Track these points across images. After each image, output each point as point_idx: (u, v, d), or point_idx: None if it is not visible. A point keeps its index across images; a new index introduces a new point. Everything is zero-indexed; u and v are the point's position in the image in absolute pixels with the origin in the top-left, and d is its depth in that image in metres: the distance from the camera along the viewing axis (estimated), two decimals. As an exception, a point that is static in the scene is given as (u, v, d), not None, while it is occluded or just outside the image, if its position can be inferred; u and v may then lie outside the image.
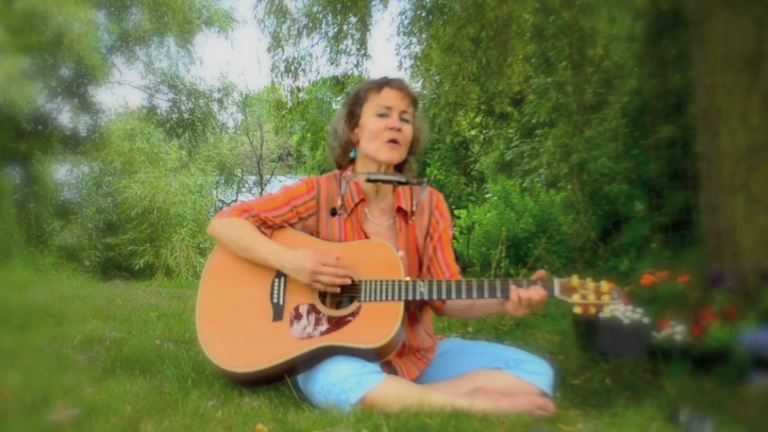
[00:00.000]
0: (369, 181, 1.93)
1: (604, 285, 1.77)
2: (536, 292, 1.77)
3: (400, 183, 1.94)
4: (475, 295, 1.82)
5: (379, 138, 1.96)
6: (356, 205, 2.00)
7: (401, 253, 1.92)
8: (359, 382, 1.72)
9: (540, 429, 1.66)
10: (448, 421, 1.61)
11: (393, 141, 1.95)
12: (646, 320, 2.35)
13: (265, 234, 1.97)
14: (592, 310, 1.77)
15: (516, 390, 1.86)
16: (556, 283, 1.79)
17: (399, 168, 2.08)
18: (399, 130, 1.96)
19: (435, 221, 2.06)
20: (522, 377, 1.89)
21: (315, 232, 2.01)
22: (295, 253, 1.88)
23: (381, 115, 1.97)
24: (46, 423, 1.53)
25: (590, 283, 1.78)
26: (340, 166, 2.10)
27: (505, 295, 1.80)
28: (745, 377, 2.09)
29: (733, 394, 2.02)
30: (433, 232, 2.05)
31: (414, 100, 2.02)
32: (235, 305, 1.92)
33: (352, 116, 2.03)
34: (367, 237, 1.99)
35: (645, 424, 1.71)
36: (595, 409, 1.93)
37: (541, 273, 1.83)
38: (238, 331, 1.89)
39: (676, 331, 2.30)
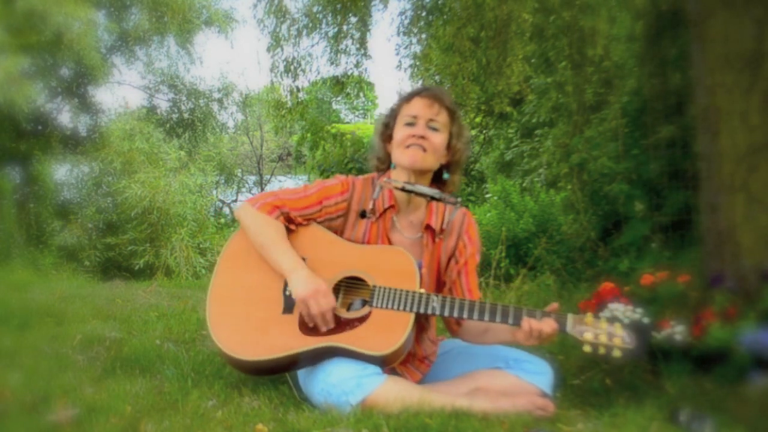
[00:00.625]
0: (403, 190, 1.91)
1: (618, 328, 1.76)
2: (548, 325, 1.76)
3: (433, 198, 1.90)
4: (486, 317, 1.81)
5: (402, 145, 1.95)
6: (385, 210, 1.98)
7: (423, 270, 1.91)
8: (360, 385, 1.72)
9: (540, 429, 1.66)
10: (448, 421, 1.61)
11: (415, 145, 1.93)
12: (646, 320, 2.35)
13: (290, 230, 1.96)
14: (602, 351, 1.75)
15: (516, 390, 1.86)
16: (570, 318, 1.78)
17: (439, 180, 2.04)
18: (422, 137, 1.93)
19: (462, 245, 2.03)
20: (522, 377, 1.89)
21: (339, 231, 1.99)
22: (306, 274, 1.85)
23: (408, 124, 1.96)
24: (46, 423, 1.53)
25: (603, 324, 1.77)
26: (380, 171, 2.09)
27: (517, 322, 1.79)
28: (745, 377, 2.08)
29: (733, 394, 2.02)
30: (459, 256, 2.03)
31: (448, 109, 1.99)
32: (248, 290, 1.91)
33: (387, 128, 2.03)
34: (391, 244, 1.97)
35: (645, 424, 1.71)
36: (595, 409, 1.94)
37: (554, 306, 1.81)
38: (246, 318, 1.88)
39: (676, 331, 2.29)
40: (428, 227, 2.00)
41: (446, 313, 1.83)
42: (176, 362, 2.21)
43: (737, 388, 2.05)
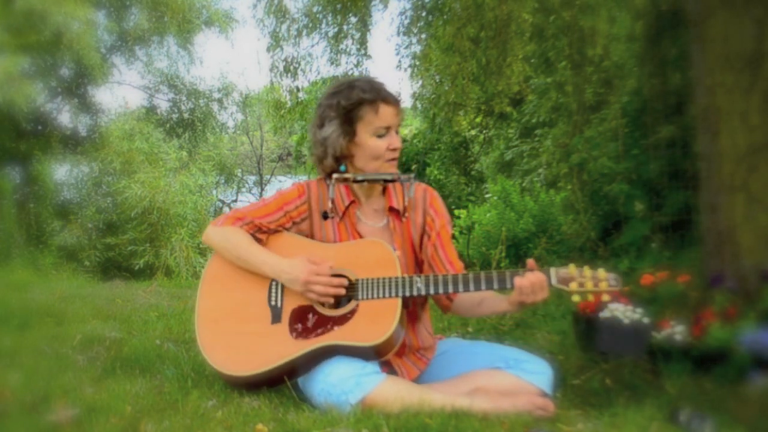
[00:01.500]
0: (356, 182, 1.93)
1: (602, 272, 1.77)
2: (535, 276, 1.76)
3: (386, 181, 1.93)
4: (472, 287, 1.82)
5: (381, 158, 1.94)
6: (347, 207, 2.00)
7: (398, 252, 1.92)
8: (359, 384, 1.72)
9: (540, 429, 1.66)
10: (448, 421, 1.61)
11: (394, 158, 1.96)
12: (646, 320, 2.35)
13: (260, 240, 1.98)
14: (590, 298, 1.77)
15: (516, 390, 1.86)
16: (553, 272, 1.79)
17: None
18: (397, 147, 1.95)
19: (430, 219, 2.04)
20: (522, 377, 1.88)
21: (310, 236, 2.01)
22: (290, 263, 1.88)
23: (381, 136, 1.94)
24: (46, 423, 1.53)
25: (587, 271, 1.77)
26: (328, 173, 2.05)
27: (502, 285, 1.80)
28: (745, 377, 2.09)
29: (733, 394, 2.02)
30: (430, 231, 2.03)
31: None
32: (234, 310, 1.93)
33: (348, 133, 1.95)
34: (362, 238, 1.98)
35: (645, 424, 1.71)
36: (595, 409, 1.93)
37: (531, 262, 1.81)
38: (237, 335, 1.89)
39: (676, 331, 2.30)
40: (391, 209, 2.02)
41: (432, 291, 1.84)
42: (176, 362, 2.21)
43: (737, 388, 2.05)
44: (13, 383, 1.79)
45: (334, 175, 1.94)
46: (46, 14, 9.22)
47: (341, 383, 1.73)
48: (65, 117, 11.61)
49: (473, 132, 11.10)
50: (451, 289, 1.84)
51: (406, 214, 2.02)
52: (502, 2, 5.61)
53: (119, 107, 12.25)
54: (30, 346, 2.34)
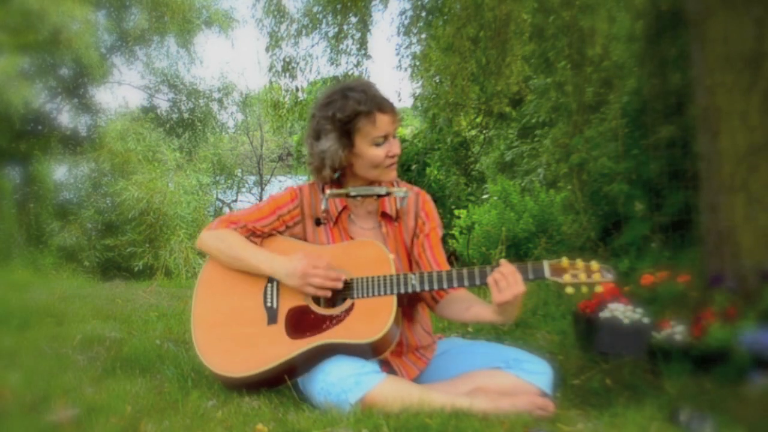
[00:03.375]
0: (349, 197, 1.96)
1: (594, 264, 1.78)
2: (505, 267, 1.75)
3: (380, 196, 1.95)
4: (466, 282, 1.82)
5: (381, 166, 1.94)
6: (340, 213, 2.01)
7: (392, 256, 1.92)
8: (358, 383, 1.72)
9: (540, 429, 1.66)
10: (448, 421, 1.61)
11: (393, 163, 1.96)
12: (646, 320, 2.35)
13: (255, 243, 1.98)
14: (584, 290, 1.78)
15: (516, 390, 1.86)
16: (546, 265, 1.79)
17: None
18: (397, 153, 1.96)
19: (421, 222, 2.05)
20: (522, 377, 1.88)
21: (303, 239, 2.01)
22: (286, 259, 1.88)
23: (379, 144, 1.93)
24: (46, 423, 1.53)
25: (580, 263, 1.78)
26: (324, 181, 2.04)
27: None
28: (745, 377, 2.09)
29: (733, 394, 2.02)
30: (419, 233, 2.04)
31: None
32: (230, 313, 1.93)
33: (346, 145, 1.93)
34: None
35: (645, 424, 1.71)
36: (595, 409, 1.93)
37: (503, 261, 1.81)
38: (234, 338, 1.90)
39: (676, 331, 2.30)
40: (384, 214, 2.02)
41: (426, 287, 1.84)
42: (176, 362, 2.21)
43: (737, 388, 2.05)
44: (13, 383, 1.79)
45: (328, 191, 1.95)
46: (44, 14, 9.22)
47: (341, 382, 1.73)
48: (65, 117, 11.64)
49: (473, 132, 11.08)
50: (446, 285, 1.84)
51: (398, 220, 2.03)
52: (501, 2, 5.61)
53: (119, 107, 12.28)
54: (30, 346, 2.34)
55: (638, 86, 4.45)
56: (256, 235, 1.98)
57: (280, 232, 2.01)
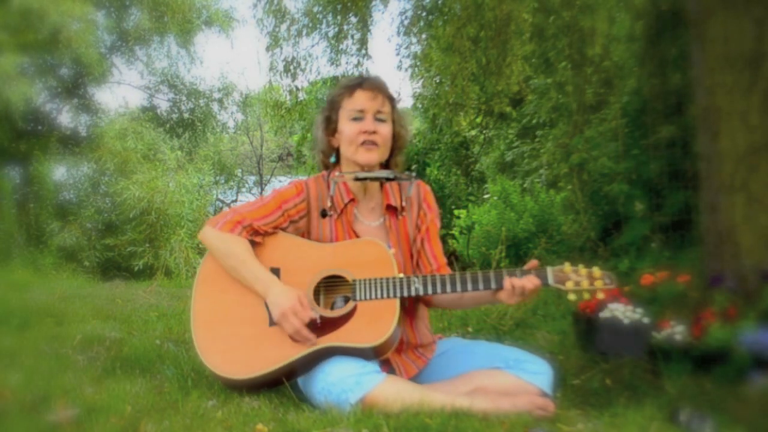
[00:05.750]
0: (357, 179, 1.94)
1: (596, 271, 1.80)
2: (529, 281, 1.79)
3: (387, 179, 1.94)
4: (470, 287, 1.84)
5: (354, 142, 1.96)
6: (346, 205, 2.01)
7: (393, 251, 1.92)
8: (359, 383, 1.72)
9: (540, 429, 1.66)
10: (448, 421, 1.61)
11: (369, 143, 1.95)
12: (646, 320, 2.35)
13: (257, 243, 1.97)
14: (587, 296, 1.79)
15: (516, 390, 1.86)
16: (549, 271, 1.81)
17: (386, 165, 2.08)
18: (374, 132, 1.95)
19: (423, 213, 2.07)
20: (522, 377, 1.89)
21: (306, 234, 2.01)
22: (281, 290, 1.85)
23: (355, 119, 1.97)
24: (46, 423, 1.52)
25: (582, 270, 1.80)
26: (327, 167, 2.10)
27: (499, 285, 1.82)
28: (745, 377, 2.09)
29: (733, 394, 2.02)
30: (420, 225, 2.07)
31: (389, 98, 2.02)
32: (231, 311, 1.92)
33: (329, 122, 2.04)
34: (358, 237, 1.99)
35: (645, 424, 1.71)
36: (595, 409, 1.94)
37: (534, 263, 1.85)
38: (234, 338, 1.88)
39: (676, 331, 2.30)
40: (389, 207, 2.03)
41: (430, 292, 1.85)
42: (176, 362, 2.21)
43: (737, 388, 2.06)
44: (13, 383, 1.79)
45: (336, 173, 1.95)
46: (44, 13, 9.21)
47: (341, 382, 1.73)
48: (65, 117, 11.63)
49: (473, 132, 11.09)
50: (449, 289, 1.85)
51: (404, 213, 2.03)
52: (502, 2, 5.61)
53: (119, 107, 12.28)
54: (30, 346, 2.34)
55: (638, 86, 4.45)
56: (259, 235, 1.97)
57: (284, 228, 1.99)
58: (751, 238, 2.52)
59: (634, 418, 1.75)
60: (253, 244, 1.96)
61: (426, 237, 2.06)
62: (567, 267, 1.81)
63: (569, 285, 1.78)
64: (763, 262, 2.47)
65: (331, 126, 2.04)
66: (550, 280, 1.80)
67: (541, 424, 1.70)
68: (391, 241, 2.00)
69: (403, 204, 2.04)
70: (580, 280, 1.79)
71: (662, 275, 2.61)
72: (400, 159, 2.11)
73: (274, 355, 1.83)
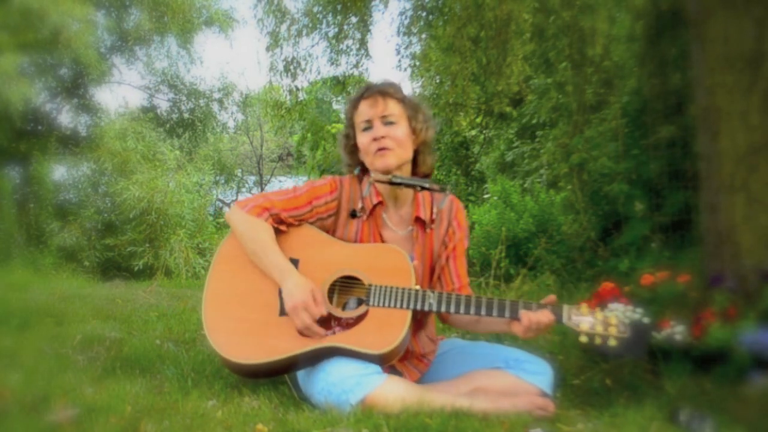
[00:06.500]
0: (392, 183, 1.92)
1: (612, 318, 1.78)
2: (545, 316, 1.77)
3: (422, 188, 1.92)
4: (483, 312, 1.82)
5: (369, 152, 1.97)
6: (374, 207, 2.00)
7: (415, 262, 1.91)
8: (360, 383, 1.72)
9: (540, 429, 1.66)
10: (448, 421, 1.61)
11: (381, 148, 1.95)
12: (646, 320, 2.35)
13: (281, 230, 1.96)
14: (598, 341, 1.77)
15: (516, 390, 1.86)
16: (565, 309, 1.79)
17: (414, 168, 2.06)
18: (383, 137, 1.95)
19: (452, 231, 2.05)
20: (522, 377, 1.89)
21: (331, 231, 2.00)
22: (297, 282, 1.85)
23: (365, 130, 1.99)
24: (46, 423, 1.52)
25: (599, 314, 1.79)
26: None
27: (513, 316, 1.80)
28: (745, 377, 2.08)
29: (733, 394, 2.02)
30: (448, 242, 2.05)
31: (395, 98, 2.00)
32: (244, 294, 1.91)
33: (348, 139, 2.06)
34: (383, 242, 1.98)
35: (645, 424, 1.71)
36: (595, 409, 1.94)
37: (551, 297, 1.83)
38: (243, 321, 1.88)
39: (676, 331, 2.29)
40: (418, 219, 2.02)
41: (443, 309, 1.84)
42: (176, 362, 2.21)
43: (737, 388, 2.05)
44: (13, 383, 1.79)
45: (372, 175, 1.94)
46: (44, 13, 9.20)
47: (342, 382, 1.73)
48: (65, 117, 11.63)
49: (473, 132, 11.09)
50: (462, 311, 1.83)
51: (432, 226, 2.02)
52: (502, 2, 5.61)
53: (119, 107, 12.28)
54: (30, 346, 2.33)
55: (638, 86, 4.45)
56: (285, 224, 1.97)
57: (311, 222, 1.99)
58: (751, 238, 2.51)
59: (634, 418, 1.75)
60: (277, 232, 1.95)
61: (452, 255, 2.04)
62: (584, 308, 1.79)
63: (583, 327, 1.77)
64: (763, 262, 2.47)
65: (350, 142, 2.06)
66: (565, 319, 1.78)
67: (541, 424, 1.70)
68: (415, 252, 1.99)
69: (433, 217, 2.02)
70: (595, 323, 1.77)
71: (662, 275, 2.61)
72: (430, 158, 2.07)
73: (278, 345, 1.82)
